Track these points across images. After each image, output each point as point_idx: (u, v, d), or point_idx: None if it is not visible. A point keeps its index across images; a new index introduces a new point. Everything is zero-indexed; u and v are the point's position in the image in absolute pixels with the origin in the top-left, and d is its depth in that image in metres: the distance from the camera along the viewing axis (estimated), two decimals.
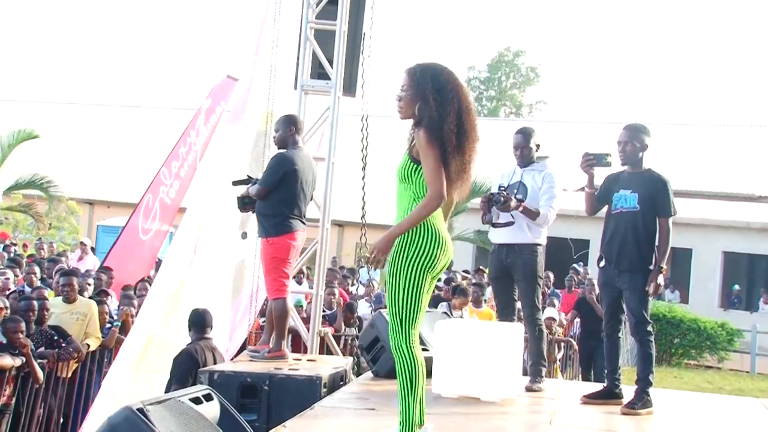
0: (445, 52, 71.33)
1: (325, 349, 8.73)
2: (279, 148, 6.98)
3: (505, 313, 6.60)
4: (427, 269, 4.19)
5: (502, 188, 6.42)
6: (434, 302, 11.44)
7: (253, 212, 6.97)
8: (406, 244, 4.21)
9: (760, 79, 72.24)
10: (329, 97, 8.34)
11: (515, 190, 6.44)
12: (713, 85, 74.78)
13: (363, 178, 8.32)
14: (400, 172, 4.31)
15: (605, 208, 6.23)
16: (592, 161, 6.09)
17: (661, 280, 5.91)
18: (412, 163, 4.27)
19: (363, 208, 8.44)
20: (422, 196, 4.22)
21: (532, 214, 6.40)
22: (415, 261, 4.18)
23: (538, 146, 6.60)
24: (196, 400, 4.32)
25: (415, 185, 4.25)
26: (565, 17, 78.47)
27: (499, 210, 6.40)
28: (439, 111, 4.18)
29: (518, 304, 6.63)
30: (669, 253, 6.01)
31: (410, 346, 4.17)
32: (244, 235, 8.29)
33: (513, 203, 6.31)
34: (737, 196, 25.39)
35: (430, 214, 4.19)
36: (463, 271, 17.48)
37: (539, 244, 6.54)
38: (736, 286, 23.53)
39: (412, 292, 4.17)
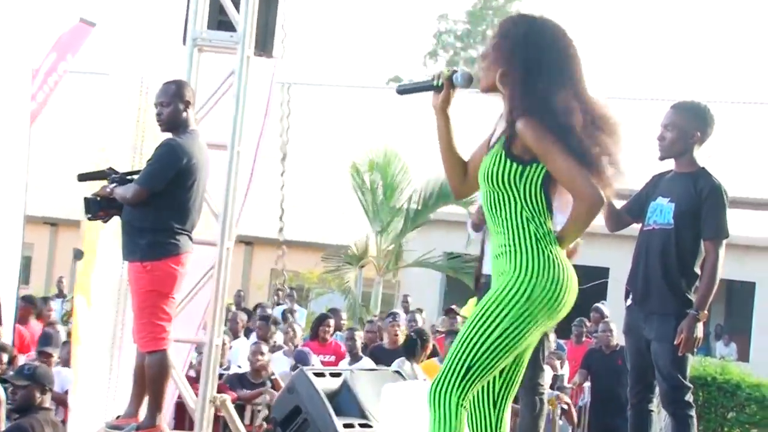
0: None
1: (221, 425, 8.71)
2: (164, 131, 6.97)
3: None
4: (546, 316, 4.28)
5: None
6: (387, 355, 11.48)
7: (106, 221, 6.96)
8: (531, 274, 4.26)
9: None
10: (234, 56, 8.35)
11: None
12: None
13: (282, 174, 8.34)
14: (497, 177, 4.36)
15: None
16: None
17: (699, 330, 6.02)
18: (515, 165, 4.33)
19: (281, 218, 8.46)
20: (535, 203, 4.33)
21: None
22: (537, 302, 4.24)
23: None
24: None
25: (523, 192, 4.34)
26: None
27: None
28: (541, 83, 4.29)
29: None
30: (718, 291, 6.13)
31: (460, 405, 4.21)
32: (79, 255, 8.23)
33: None
34: None
35: (589, 222, 4.33)
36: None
37: None
38: None
39: (509, 340, 4.23)
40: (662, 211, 6.18)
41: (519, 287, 4.23)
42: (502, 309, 4.22)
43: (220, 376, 9.76)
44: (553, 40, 4.34)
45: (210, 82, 8.37)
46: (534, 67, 4.29)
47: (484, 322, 4.23)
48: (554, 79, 4.28)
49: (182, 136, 6.84)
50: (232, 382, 10.56)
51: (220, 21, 8.36)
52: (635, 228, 6.50)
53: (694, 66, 73.24)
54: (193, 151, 6.80)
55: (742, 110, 30.80)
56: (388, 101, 36.22)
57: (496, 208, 4.36)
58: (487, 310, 4.23)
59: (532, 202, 4.32)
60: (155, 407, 6.76)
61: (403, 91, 4.77)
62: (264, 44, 8.42)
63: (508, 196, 4.33)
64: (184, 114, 6.91)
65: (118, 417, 7.34)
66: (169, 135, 6.90)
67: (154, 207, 6.70)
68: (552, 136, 4.23)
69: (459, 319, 14.67)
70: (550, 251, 4.27)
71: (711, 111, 6.30)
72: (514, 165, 4.32)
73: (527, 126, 4.24)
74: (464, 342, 4.24)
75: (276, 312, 16.41)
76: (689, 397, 6.09)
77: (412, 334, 11.46)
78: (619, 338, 10.62)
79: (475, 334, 4.22)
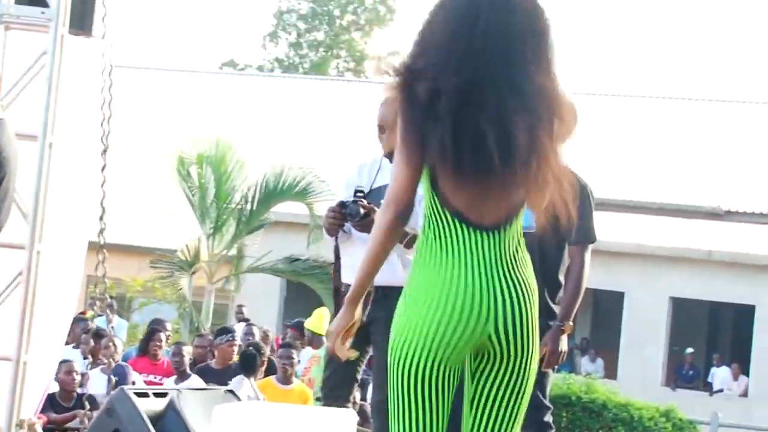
0: None
1: None
2: None
3: (336, 393, 6.68)
4: (408, 367, 3.83)
5: (361, 193, 6.42)
6: (216, 375, 11.42)
7: None
8: (405, 291, 3.94)
9: (726, 38, 75.92)
10: (46, 34, 8.23)
11: (381, 199, 6.48)
12: (659, 41, 78.00)
13: (103, 169, 8.24)
14: None
15: None
16: None
17: (563, 343, 6.14)
18: None
19: (102, 218, 8.36)
20: (426, 203, 3.91)
21: (406, 238, 6.51)
22: (393, 352, 3.86)
23: None
24: None
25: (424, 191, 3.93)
26: None
27: (356, 229, 6.42)
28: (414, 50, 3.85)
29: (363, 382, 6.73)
30: (584, 301, 6.26)
31: None
32: None
33: None
34: (693, 211, 26.49)
35: (380, 238, 3.94)
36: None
37: None
38: (690, 350, 24.47)
39: (398, 406, 3.87)
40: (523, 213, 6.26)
41: (397, 313, 3.91)
42: (388, 350, 3.89)
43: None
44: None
45: (19, 63, 8.24)
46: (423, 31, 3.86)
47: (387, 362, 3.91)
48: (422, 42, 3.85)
49: None
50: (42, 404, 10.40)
51: None
52: None
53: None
54: (2, 143, 6.69)
55: (609, 104, 31.34)
56: (222, 87, 36.08)
57: None
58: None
59: (427, 203, 3.92)
60: None
61: None
62: (81, 22, 8.30)
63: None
64: None
65: None
66: None
67: None
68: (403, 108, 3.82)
69: (306, 333, 14.70)
70: (423, 253, 3.88)
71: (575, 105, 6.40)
72: None
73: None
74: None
75: (99, 323, 16.15)
76: (549, 418, 6.20)
77: (250, 348, 11.41)
78: None
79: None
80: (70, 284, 8.41)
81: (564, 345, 6.15)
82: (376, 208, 6.27)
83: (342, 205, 6.31)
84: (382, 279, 6.44)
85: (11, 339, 8.00)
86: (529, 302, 3.86)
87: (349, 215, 6.26)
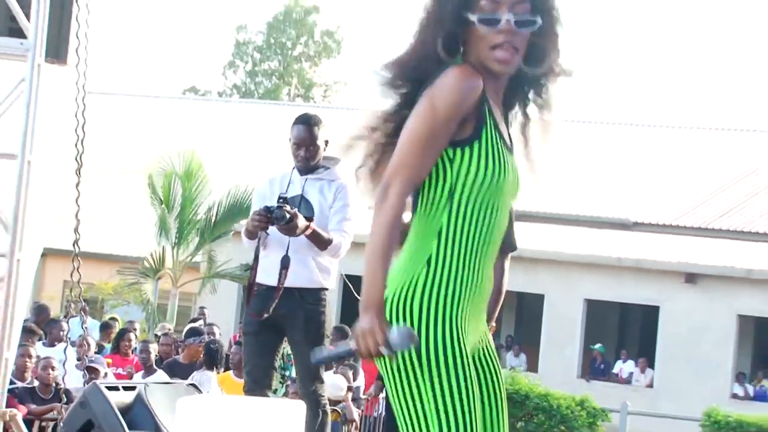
0: (207, 3, 71.11)
1: None
2: None
3: (259, 384, 6.70)
4: None
5: (283, 200, 6.46)
6: (183, 369, 11.35)
7: None
8: None
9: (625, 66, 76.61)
10: (25, 63, 8.15)
11: (296, 208, 6.52)
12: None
13: (78, 185, 8.19)
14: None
15: None
16: None
17: None
18: None
19: (76, 230, 8.30)
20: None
21: (322, 242, 6.51)
22: None
23: (327, 143, 6.69)
24: None
25: None
26: None
27: (281, 232, 6.45)
28: None
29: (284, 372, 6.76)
30: (509, 302, 6.27)
31: None
32: None
33: (301, 223, 6.38)
34: (604, 222, 26.66)
35: None
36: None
37: (326, 289, 6.69)
38: (598, 346, 24.63)
39: None
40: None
41: None
42: None
43: (13, 390, 9.50)
44: None
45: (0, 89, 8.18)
46: None
47: None
48: None
49: None
50: (22, 396, 10.29)
51: (10, 28, 8.17)
52: None
53: None
54: None
55: None
56: (185, 111, 35.97)
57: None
58: None
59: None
60: None
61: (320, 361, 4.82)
62: (57, 52, 8.24)
63: None
64: None
65: None
66: None
67: None
68: None
69: None
70: None
71: None
72: None
73: None
74: None
75: (73, 324, 16.01)
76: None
77: (212, 345, 11.40)
78: None
79: None
80: (24, 287, 8.33)
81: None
82: (299, 213, 6.34)
83: (267, 210, 6.38)
84: (298, 281, 6.55)
85: None
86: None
87: (276, 219, 6.36)
